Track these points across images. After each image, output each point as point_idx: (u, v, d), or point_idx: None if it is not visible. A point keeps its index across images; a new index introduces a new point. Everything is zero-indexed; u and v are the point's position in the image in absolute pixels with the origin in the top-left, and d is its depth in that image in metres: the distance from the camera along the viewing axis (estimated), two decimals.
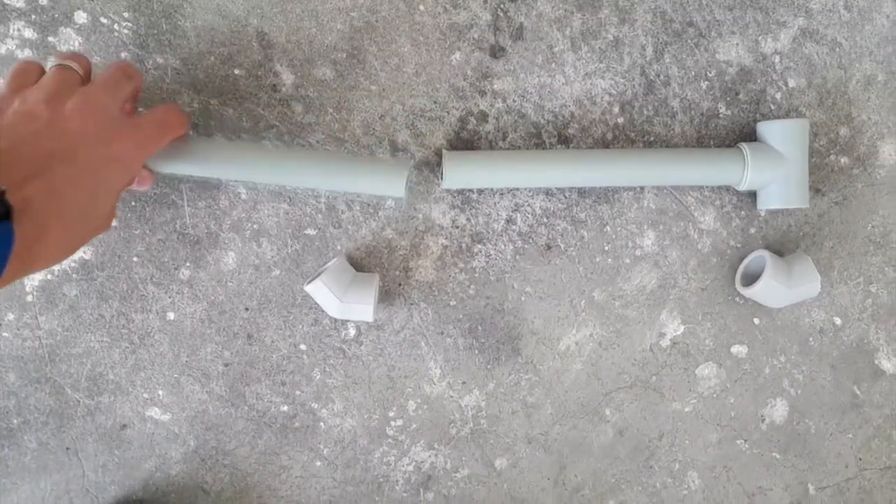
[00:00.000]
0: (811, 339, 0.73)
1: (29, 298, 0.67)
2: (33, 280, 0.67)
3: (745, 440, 0.74)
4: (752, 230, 0.71)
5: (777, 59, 0.70)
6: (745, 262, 0.70)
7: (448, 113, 0.69)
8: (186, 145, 0.66)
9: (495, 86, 0.69)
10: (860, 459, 0.74)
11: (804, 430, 0.74)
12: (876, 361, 0.74)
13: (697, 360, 0.73)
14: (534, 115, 0.69)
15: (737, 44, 0.69)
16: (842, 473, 0.74)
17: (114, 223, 0.68)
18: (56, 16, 0.66)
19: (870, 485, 0.74)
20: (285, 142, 0.68)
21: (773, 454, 0.74)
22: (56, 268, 0.68)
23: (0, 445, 0.69)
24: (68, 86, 0.52)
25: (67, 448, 0.69)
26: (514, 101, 0.69)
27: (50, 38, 0.66)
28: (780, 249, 0.71)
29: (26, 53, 0.66)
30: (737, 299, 0.72)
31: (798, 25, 0.69)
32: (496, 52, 0.68)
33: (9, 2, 0.65)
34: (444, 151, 0.68)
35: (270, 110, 0.67)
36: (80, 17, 0.66)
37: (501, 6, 0.67)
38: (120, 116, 0.53)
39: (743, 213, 0.71)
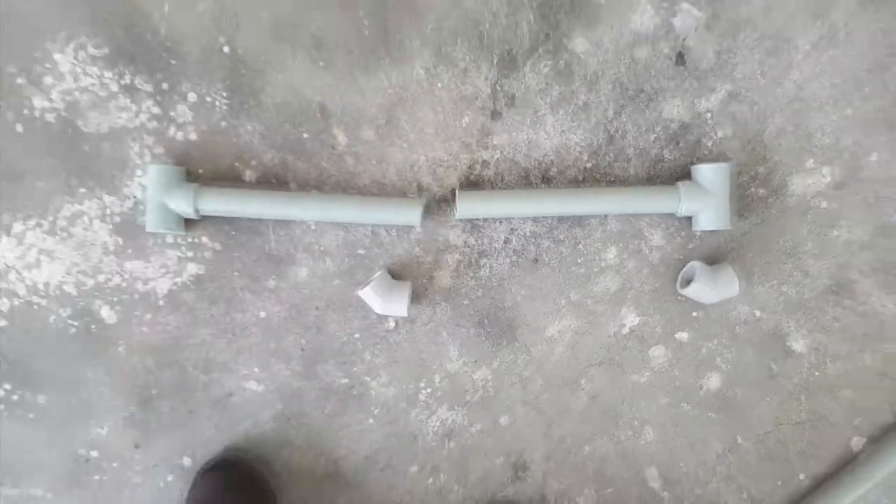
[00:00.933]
0: (737, 327, 0.72)
1: (161, 303, 0.70)
2: (162, 290, 0.70)
3: (688, 403, 0.73)
4: (690, 246, 0.71)
5: (709, 115, 0.69)
6: (684, 270, 0.70)
7: (459, 162, 0.70)
8: (263, 198, 0.67)
9: (494, 141, 0.70)
10: (776, 417, 0.73)
11: (733, 396, 0.73)
12: (787, 343, 0.72)
13: (650, 343, 0.73)
14: (524, 162, 0.70)
15: (678, 105, 0.69)
16: (762, 428, 0.73)
17: (218, 247, 0.71)
18: (174, 96, 0.69)
19: (784, 436, 0.73)
20: (340, 187, 0.70)
21: (710, 414, 0.73)
22: (178, 279, 0.70)
23: (144, 410, 0.71)
24: None
25: (190, 411, 0.72)
26: (508, 152, 0.70)
27: (171, 113, 0.69)
28: (712, 260, 0.71)
29: (153, 126, 0.69)
30: (679, 298, 0.72)
31: (725, 90, 0.69)
32: (495, 115, 0.70)
33: (140, 87, 0.68)
34: (457, 191, 0.69)
35: (330, 163, 0.70)
36: (191, 97, 0.69)
37: (498, 82, 0.69)
38: None
39: (683, 233, 0.71)
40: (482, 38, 0.67)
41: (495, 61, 0.68)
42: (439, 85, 0.68)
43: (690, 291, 0.67)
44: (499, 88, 0.69)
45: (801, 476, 0.73)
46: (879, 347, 0.71)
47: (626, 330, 0.73)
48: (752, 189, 0.70)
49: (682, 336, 0.72)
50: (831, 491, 0.70)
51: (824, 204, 0.70)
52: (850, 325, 0.71)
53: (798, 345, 0.72)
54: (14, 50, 0.67)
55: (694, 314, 0.72)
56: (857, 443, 0.72)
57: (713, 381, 0.73)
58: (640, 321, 0.72)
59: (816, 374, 0.72)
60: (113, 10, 0.67)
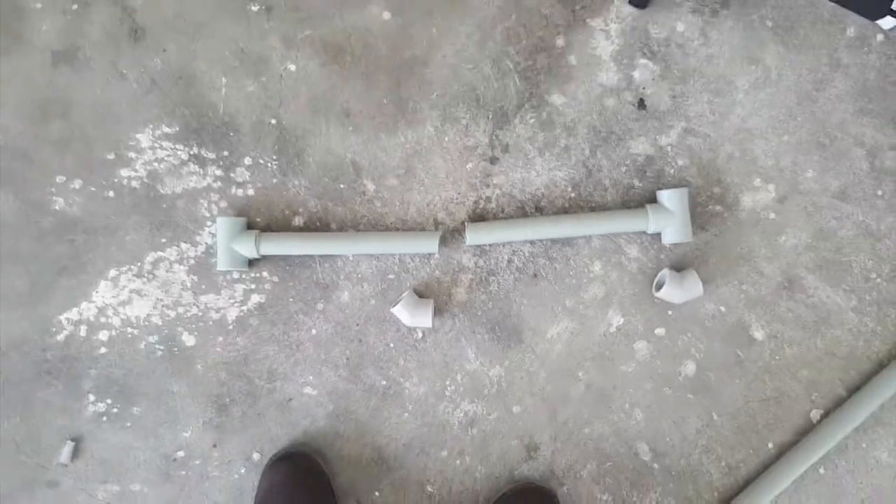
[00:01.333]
0: (706, 321, 0.76)
1: (231, 327, 0.77)
2: (231, 316, 0.77)
3: (669, 387, 0.77)
4: (662, 256, 0.76)
5: (669, 148, 0.76)
6: (657, 276, 0.76)
7: (467, 199, 0.77)
8: (311, 238, 0.73)
9: (494, 181, 0.77)
10: (745, 396, 0.76)
11: (707, 379, 0.76)
12: (750, 333, 0.76)
13: (634, 338, 0.77)
14: (519, 196, 0.77)
15: (643, 141, 0.76)
16: (734, 405, 0.76)
17: (276, 280, 0.77)
18: (233, 161, 0.77)
19: (753, 411, 0.76)
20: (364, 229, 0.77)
21: (688, 396, 0.77)
22: (244, 307, 0.76)
23: (220, 415, 0.77)
24: None
25: (258, 414, 0.77)
26: (506, 189, 0.76)
27: (231, 175, 0.76)
28: (680, 267, 0.76)
29: (218, 186, 0.77)
30: (655, 300, 0.76)
31: (681, 126, 0.76)
32: (493, 160, 0.77)
33: (205, 155, 0.76)
34: (466, 222, 0.75)
35: (362, 207, 0.77)
36: (247, 161, 0.77)
37: (494, 133, 0.76)
38: None
39: (655, 246, 0.76)
40: (479, 99, 0.76)
41: (490, 117, 0.76)
42: (446, 139, 0.76)
43: (663, 294, 0.73)
44: (495, 138, 0.76)
45: (770, 445, 0.76)
46: (828, 332, 0.76)
47: (613, 329, 0.77)
48: (710, 206, 0.76)
49: (661, 331, 0.77)
50: (796, 456, 0.74)
51: (772, 215, 0.76)
52: (802, 314, 0.76)
53: (759, 334, 0.76)
54: (104, 133, 0.77)
55: (669, 313, 0.76)
56: (815, 414, 0.76)
57: (689, 368, 0.77)
58: (625, 321, 0.77)
59: (777, 357, 0.76)
60: (180, 97, 0.77)
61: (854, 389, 0.76)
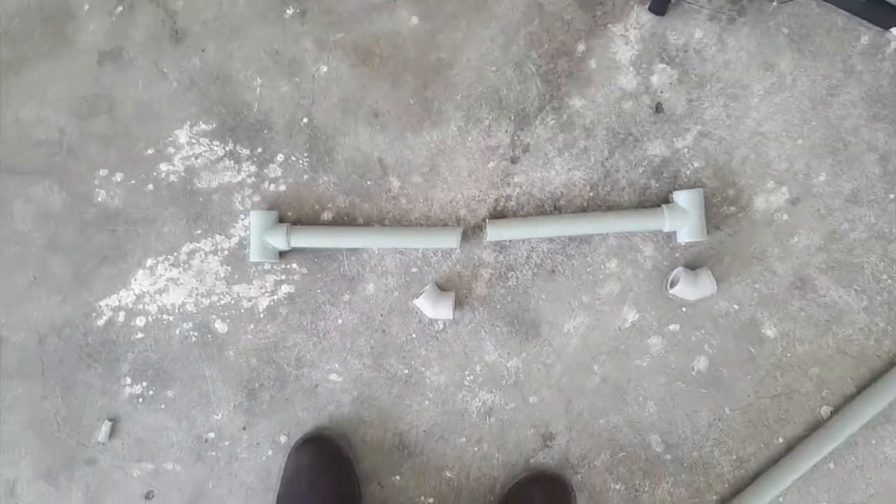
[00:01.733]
0: (720, 318, 0.77)
1: (261, 315, 0.80)
2: (262, 305, 0.79)
3: (683, 382, 0.78)
4: (676, 254, 0.77)
5: (685, 150, 0.77)
6: (671, 274, 0.77)
7: (488, 197, 0.79)
8: (339, 232, 0.76)
9: (515, 179, 0.79)
10: (757, 391, 0.77)
11: (720, 374, 0.77)
12: (762, 331, 0.77)
13: (648, 334, 0.78)
14: (539, 195, 0.78)
15: (659, 143, 0.77)
16: (745, 400, 0.77)
17: (305, 271, 0.80)
18: (266, 157, 0.79)
19: (764, 407, 0.77)
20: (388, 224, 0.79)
21: (701, 390, 0.77)
22: (274, 297, 0.79)
23: (249, 399, 0.79)
24: None
25: (286, 399, 0.79)
26: (526, 187, 0.78)
27: (264, 170, 0.80)
28: (694, 265, 0.77)
29: (251, 181, 0.80)
30: (669, 297, 0.77)
31: (697, 129, 0.77)
32: (514, 160, 0.79)
33: (240, 151, 0.79)
34: (487, 219, 0.77)
35: (387, 203, 0.79)
36: (279, 157, 0.79)
37: (515, 134, 0.78)
38: None
39: (670, 244, 0.77)
40: (501, 101, 0.78)
41: (512, 118, 0.78)
42: (470, 139, 0.79)
43: (677, 291, 0.74)
44: (516, 139, 0.78)
45: (780, 440, 0.77)
46: (839, 331, 0.77)
47: (627, 324, 0.78)
48: (725, 207, 0.77)
49: (675, 327, 0.78)
50: (806, 450, 0.75)
51: (784, 217, 0.77)
52: (813, 313, 0.77)
53: (771, 331, 0.77)
54: (145, 129, 0.81)
55: (682, 310, 0.78)
56: (825, 411, 0.77)
57: (702, 363, 0.78)
58: (639, 317, 0.78)
59: (788, 355, 0.77)
60: (218, 95, 0.80)
61: (864, 387, 0.77)
